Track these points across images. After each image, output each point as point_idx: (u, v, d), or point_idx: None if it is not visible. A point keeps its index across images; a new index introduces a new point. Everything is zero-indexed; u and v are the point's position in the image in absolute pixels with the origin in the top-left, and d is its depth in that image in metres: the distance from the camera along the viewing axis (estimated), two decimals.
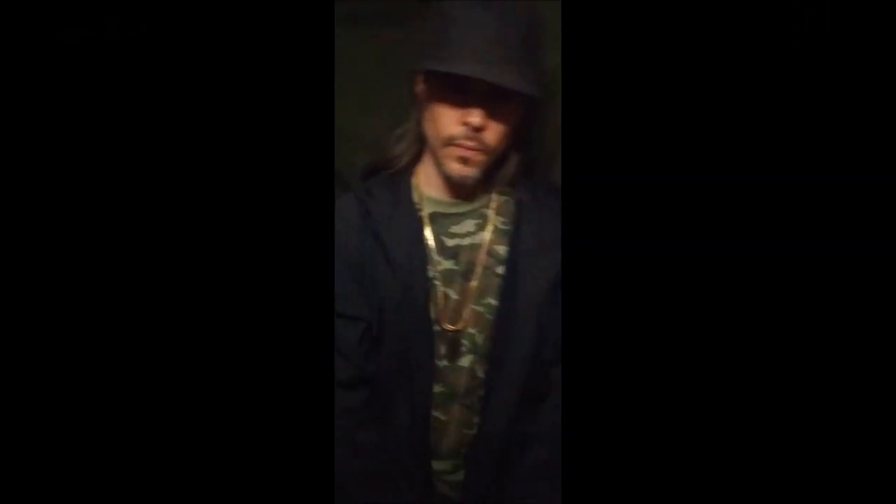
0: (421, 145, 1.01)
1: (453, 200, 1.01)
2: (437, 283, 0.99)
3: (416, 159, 1.03)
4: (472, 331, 0.98)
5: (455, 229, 1.01)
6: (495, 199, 1.02)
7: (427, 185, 1.02)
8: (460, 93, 0.91)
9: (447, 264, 0.99)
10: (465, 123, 0.91)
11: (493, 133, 0.93)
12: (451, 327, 0.98)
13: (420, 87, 0.97)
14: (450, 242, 1.00)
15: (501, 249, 1.00)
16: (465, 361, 0.98)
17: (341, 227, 0.94)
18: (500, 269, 0.99)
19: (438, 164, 0.97)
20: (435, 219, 1.01)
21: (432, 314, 0.98)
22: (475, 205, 1.01)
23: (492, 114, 0.91)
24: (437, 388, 0.98)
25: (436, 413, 0.98)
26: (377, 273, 0.96)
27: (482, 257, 0.99)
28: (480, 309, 0.98)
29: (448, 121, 0.93)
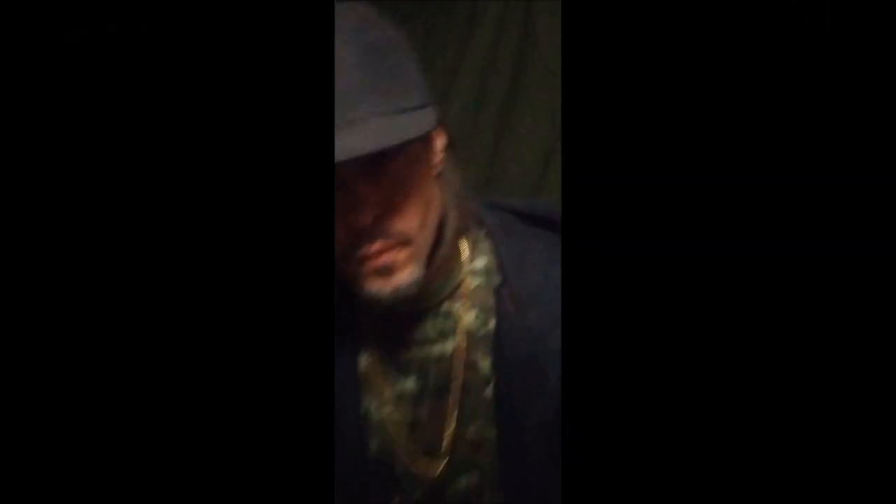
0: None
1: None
2: (382, 414, 0.74)
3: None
4: (462, 452, 0.75)
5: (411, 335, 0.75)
6: (463, 283, 0.74)
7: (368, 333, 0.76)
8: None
9: (404, 384, 0.75)
10: (355, 229, 0.67)
11: (401, 214, 0.67)
12: (428, 474, 0.73)
13: None
14: (404, 356, 0.75)
15: (486, 362, 0.74)
16: (462, 484, 0.76)
17: None
18: (488, 390, 0.74)
19: (360, 295, 0.70)
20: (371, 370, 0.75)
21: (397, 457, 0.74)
22: (431, 301, 0.74)
23: (384, 190, 0.66)
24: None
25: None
26: None
27: (457, 372, 0.74)
28: (473, 437, 0.75)
29: (337, 237, 0.68)
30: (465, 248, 0.76)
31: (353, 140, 0.62)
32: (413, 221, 0.68)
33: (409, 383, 0.74)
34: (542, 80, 1.23)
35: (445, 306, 0.75)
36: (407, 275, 0.68)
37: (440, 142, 0.72)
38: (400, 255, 0.68)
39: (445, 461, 0.73)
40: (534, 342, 0.72)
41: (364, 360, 0.76)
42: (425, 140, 0.70)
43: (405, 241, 0.68)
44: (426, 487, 0.74)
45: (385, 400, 0.75)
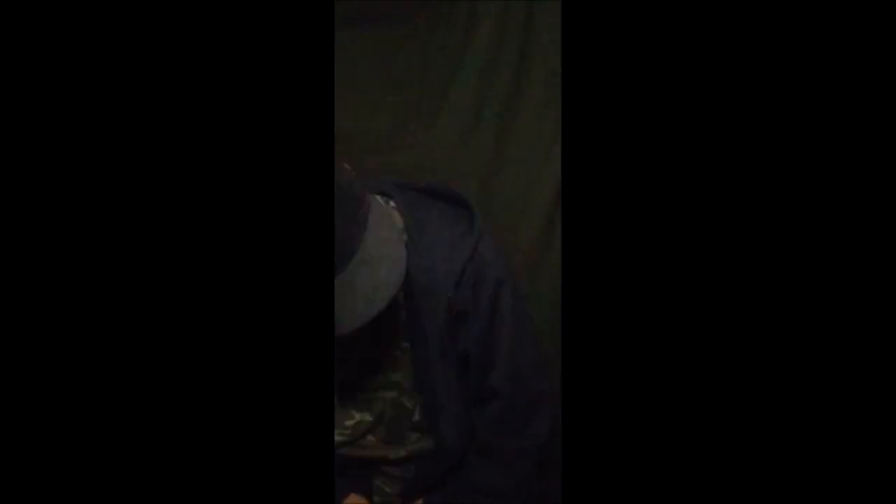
0: None
1: None
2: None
3: None
4: (386, 372, 1.03)
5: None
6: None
7: None
8: None
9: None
10: None
11: None
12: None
13: None
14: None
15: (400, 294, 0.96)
16: (388, 395, 1.03)
17: None
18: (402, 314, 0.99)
19: None
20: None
21: None
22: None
23: None
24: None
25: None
26: None
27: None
28: (396, 350, 1.01)
29: None
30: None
31: None
32: None
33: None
34: (542, 80, 1.23)
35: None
36: None
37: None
38: None
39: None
40: (431, 278, 0.96)
41: None
42: None
43: None
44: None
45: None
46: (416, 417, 1.04)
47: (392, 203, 1.01)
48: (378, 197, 0.99)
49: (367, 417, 1.03)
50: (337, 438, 1.03)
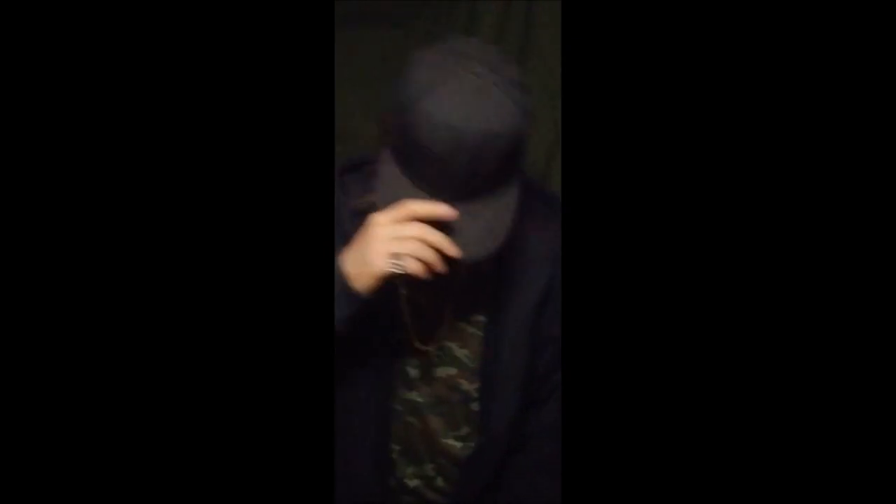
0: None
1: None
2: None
3: None
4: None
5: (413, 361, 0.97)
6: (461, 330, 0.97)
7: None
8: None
9: (409, 396, 0.97)
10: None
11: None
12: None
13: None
14: (411, 372, 0.96)
15: (465, 384, 0.96)
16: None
17: None
18: (472, 405, 0.96)
19: None
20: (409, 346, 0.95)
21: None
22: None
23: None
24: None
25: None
26: None
27: (444, 392, 0.96)
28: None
29: None
30: None
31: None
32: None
33: (414, 396, 0.96)
34: (542, 80, 1.23)
35: (446, 344, 0.96)
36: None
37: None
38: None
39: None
40: (536, 251, 0.93)
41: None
42: None
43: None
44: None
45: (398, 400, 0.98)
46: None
47: None
48: None
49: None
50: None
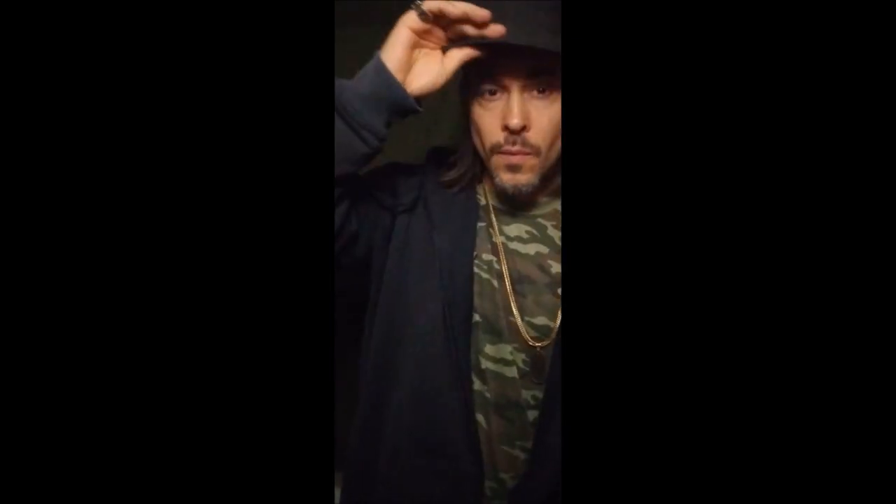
0: (479, 162, 0.97)
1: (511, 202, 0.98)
2: (482, 273, 0.95)
3: (477, 178, 1.00)
4: (514, 342, 0.94)
5: (506, 229, 0.97)
6: (558, 210, 0.97)
7: (490, 194, 0.99)
8: (497, 90, 0.88)
9: (491, 258, 0.96)
10: (506, 128, 0.88)
11: (538, 133, 0.88)
12: (535, 345, 0.93)
13: (465, 99, 0.93)
14: (497, 238, 0.97)
15: (556, 266, 0.95)
16: (510, 372, 0.94)
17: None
18: (559, 289, 0.93)
19: (493, 178, 0.93)
20: (487, 210, 0.98)
21: (476, 302, 0.93)
22: (532, 211, 0.98)
23: (533, 108, 0.88)
24: (477, 386, 0.94)
25: (478, 416, 0.94)
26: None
27: (532, 270, 0.95)
28: (528, 327, 0.94)
29: (490, 129, 0.90)
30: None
31: (538, 38, 0.84)
32: (546, 143, 0.90)
33: (495, 261, 0.96)
34: None
35: (537, 220, 0.98)
36: (526, 177, 0.91)
37: None
38: (528, 161, 0.90)
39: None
40: None
41: (478, 225, 0.98)
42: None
43: (535, 153, 0.90)
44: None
45: (481, 262, 0.97)
46: (531, 416, 0.93)
47: None
48: None
49: (478, 384, 0.94)
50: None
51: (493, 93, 0.88)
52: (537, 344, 0.93)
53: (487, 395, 0.93)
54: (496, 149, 0.90)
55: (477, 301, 0.94)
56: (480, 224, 0.97)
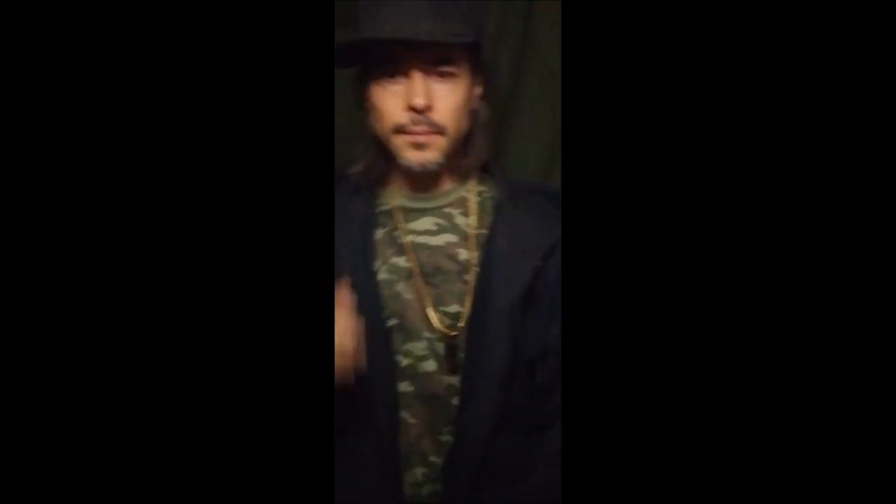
0: (383, 157, 0.96)
1: (417, 195, 0.98)
2: (391, 276, 0.95)
3: (386, 172, 0.99)
4: (429, 335, 0.95)
5: (415, 225, 0.97)
6: (464, 197, 0.98)
7: (396, 184, 0.99)
8: (397, 74, 0.88)
9: (398, 261, 0.96)
10: (410, 108, 0.88)
11: (443, 112, 0.90)
12: (449, 334, 0.94)
13: (363, 87, 0.93)
14: (404, 239, 0.96)
15: (464, 253, 0.96)
16: (429, 367, 0.95)
17: None
18: (467, 276, 0.95)
19: (397, 159, 0.93)
20: (392, 214, 0.97)
21: (384, 310, 0.94)
22: (439, 202, 0.98)
23: (436, 91, 0.89)
24: (401, 387, 0.95)
25: (403, 413, 0.95)
26: None
27: (442, 260, 0.96)
28: (442, 316, 0.95)
29: (392, 110, 0.90)
30: (475, 179, 1.01)
31: (438, 30, 0.85)
32: (451, 122, 0.91)
33: (402, 261, 0.96)
34: (542, 80, 1.23)
35: (444, 209, 0.98)
36: (431, 154, 0.91)
37: (477, 89, 0.96)
38: (433, 139, 0.91)
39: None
40: (517, 242, 0.95)
41: (379, 233, 0.98)
42: (470, 77, 0.93)
43: (440, 131, 0.91)
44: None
45: (388, 266, 0.96)
46: (455, 401, 0.94)
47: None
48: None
49: (403, 386, 0.94)
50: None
51: (392, 75, 0.89)
52: (452, 333, 0.94)
53: (411, 392, 0.95)
54: (400, 129, 0.90)
55: (392, 306, 0.95)
56: (382, 231, 0.97)
